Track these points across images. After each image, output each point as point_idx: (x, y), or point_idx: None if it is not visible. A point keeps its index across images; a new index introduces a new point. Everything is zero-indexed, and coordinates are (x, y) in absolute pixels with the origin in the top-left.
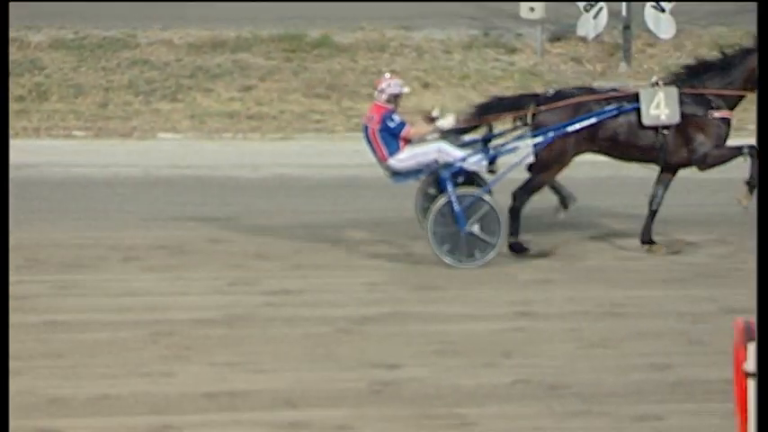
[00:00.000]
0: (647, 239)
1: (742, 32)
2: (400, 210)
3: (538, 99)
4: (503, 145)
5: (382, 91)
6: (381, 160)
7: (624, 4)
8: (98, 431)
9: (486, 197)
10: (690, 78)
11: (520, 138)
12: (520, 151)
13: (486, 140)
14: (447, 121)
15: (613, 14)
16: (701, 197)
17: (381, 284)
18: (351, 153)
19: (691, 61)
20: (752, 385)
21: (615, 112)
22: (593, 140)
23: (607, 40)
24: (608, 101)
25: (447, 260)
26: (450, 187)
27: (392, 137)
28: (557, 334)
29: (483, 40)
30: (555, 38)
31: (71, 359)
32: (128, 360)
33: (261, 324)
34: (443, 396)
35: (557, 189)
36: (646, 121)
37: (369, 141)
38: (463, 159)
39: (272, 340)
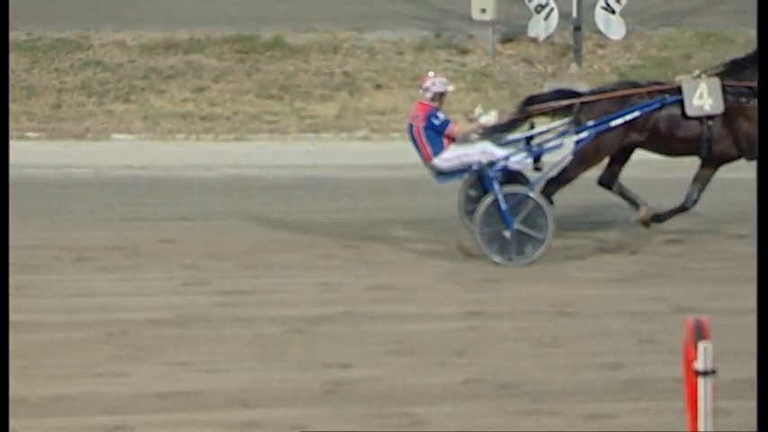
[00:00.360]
0: (660, 219)
1: (691, 33)
2: (354, 210)
3: (581, 94)
4: (547, 141)
5: (427, 89)
6: (426, 159)
7: (575, 4)
8: (52, 431)
9: (533, 194)
10: (733, 71)
11: (563, 134)
12: (565, 148)
13: (528, 138)
14: (490, 118)
15: (564, 16)
16: (652, 197)
17: (334, 284)
18: (304, 154)
19: (731, 58)
20: (702, 383)
21: (658, 105)
22: (637, 134)
23: (558, 41)
24: (650, 94)
25: (496, 259)
26: (496, 186)
27: (437, 135)
28: (508, 333)
29: (435, 42)
30: (506, 39)
31: (25, 359)
32: (81, 360)
33: (214, 324)
34: (396, 395)
35: (624, 195)
36: (690, 111)
37: (413, 140)
38: (506, 158)
39: (226, 340)
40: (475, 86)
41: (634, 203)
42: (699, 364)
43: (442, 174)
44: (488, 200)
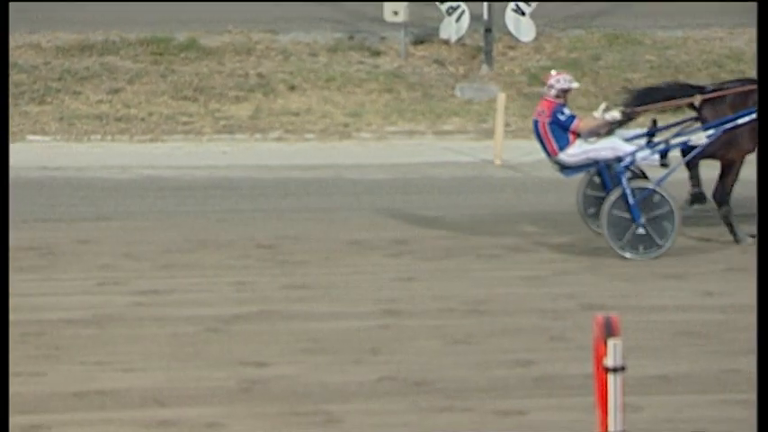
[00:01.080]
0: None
1: (600, 35)
2: (268, 210)
3: (702, 90)
4: (675, 136)
5: (551, 86)
6: (552, 154)
7: (485, 7)
8: None
9: (660, 189)
10: None
11: (691, 131)
12: (692, 144)
13: (651, 134)
14: (615, 114)
15: (475, 18)
16: (558, 197)
17: (249, 284)
18: (218, 154)
19: None
20: (611, 380)
21: None
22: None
23: (469, 42)
24: None
25: (626, 254)
26: (624, 181)
27: (562, 130)
28: (422, 331)
29: (348, 44)
30: (418, 41)
31: None
32: None
33: (130, 324)
34: (311, 393)
35: (731, 226)
36: None
37: (539, 136)
38: (634, 154)
39: (142, 339)
40: (387, 88)
41: (734, 233)
42: (608, 361)
43: (567, 168)
44: (616, 193)
